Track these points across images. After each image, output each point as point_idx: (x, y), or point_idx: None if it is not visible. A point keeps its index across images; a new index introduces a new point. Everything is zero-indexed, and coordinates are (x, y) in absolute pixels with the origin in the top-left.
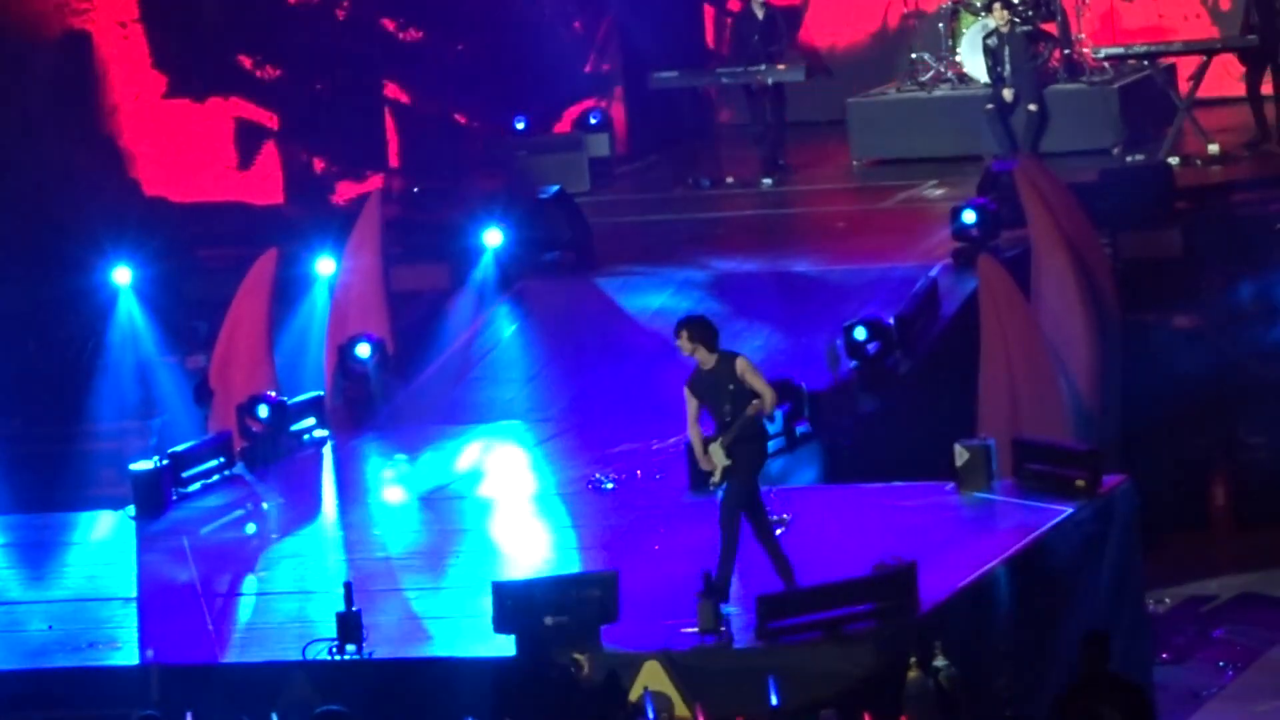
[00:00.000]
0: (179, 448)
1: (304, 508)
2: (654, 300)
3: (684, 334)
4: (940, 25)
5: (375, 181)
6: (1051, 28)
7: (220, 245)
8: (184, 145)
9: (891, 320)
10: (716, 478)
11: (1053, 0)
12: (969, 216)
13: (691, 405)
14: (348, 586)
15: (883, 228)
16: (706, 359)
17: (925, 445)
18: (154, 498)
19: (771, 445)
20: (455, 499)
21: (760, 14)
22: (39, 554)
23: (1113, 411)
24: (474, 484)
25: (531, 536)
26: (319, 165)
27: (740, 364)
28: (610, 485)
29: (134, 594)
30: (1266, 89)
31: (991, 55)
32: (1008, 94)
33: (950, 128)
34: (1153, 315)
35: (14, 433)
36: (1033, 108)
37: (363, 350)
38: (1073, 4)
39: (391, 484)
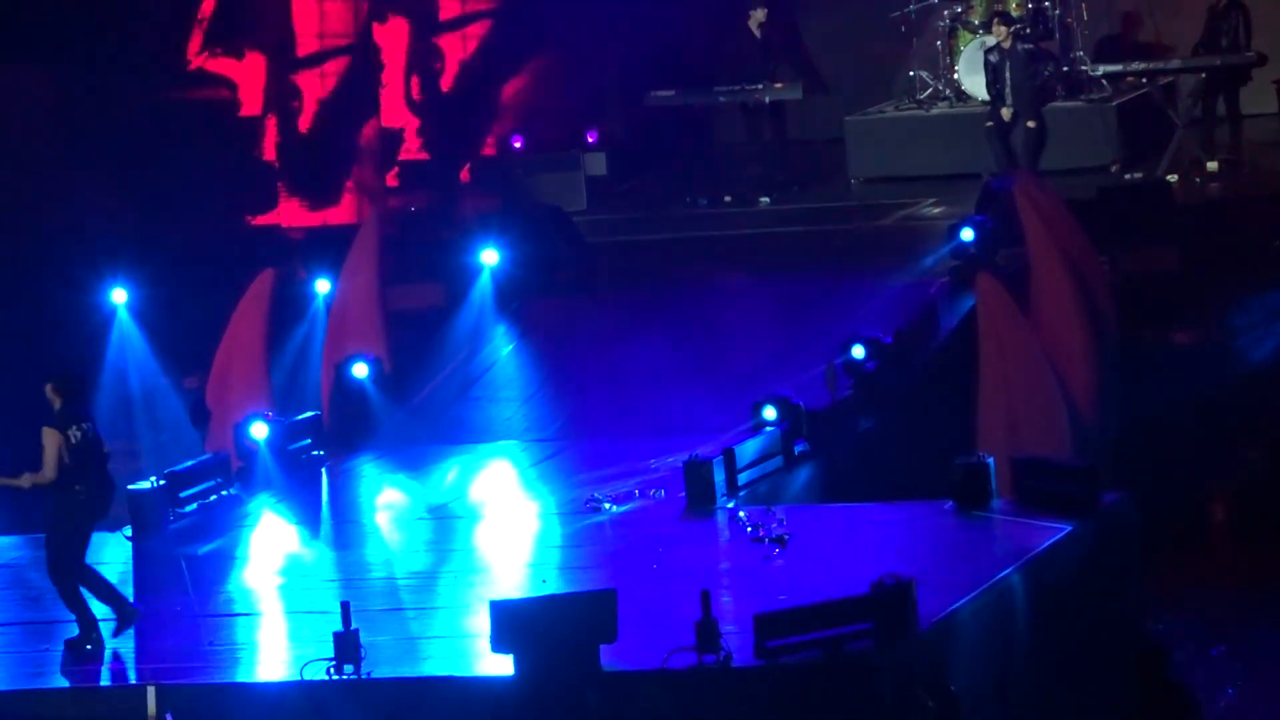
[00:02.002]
0: (176, 468)
1: (301, 527)
2: (652, 319)
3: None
4: (938, 43)
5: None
6: (1050, 45)
7: (217, 265)
8: None
9: (890, 338)
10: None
11: (1051, 18)
12: (967, 234)
13: None
14: (345, 606)
15: (881, 245)
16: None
17: (924, 463)
18: (150, 518)
19: (769, 465)
20: (453, 518)
21: (758, 32)
22: (35, 574)
23: (1111, 427)
24: (471, 503)
25: (529, 556)
26: None
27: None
28: (608, 505)
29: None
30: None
31: (992, 71)
32: (1006, 112)
33: (948, 145)
34: (1151, 331)
35: (10, 452)
36: (1032, 125)
37: (360, 370)
38: (1072, 21)
39: (389, 503)
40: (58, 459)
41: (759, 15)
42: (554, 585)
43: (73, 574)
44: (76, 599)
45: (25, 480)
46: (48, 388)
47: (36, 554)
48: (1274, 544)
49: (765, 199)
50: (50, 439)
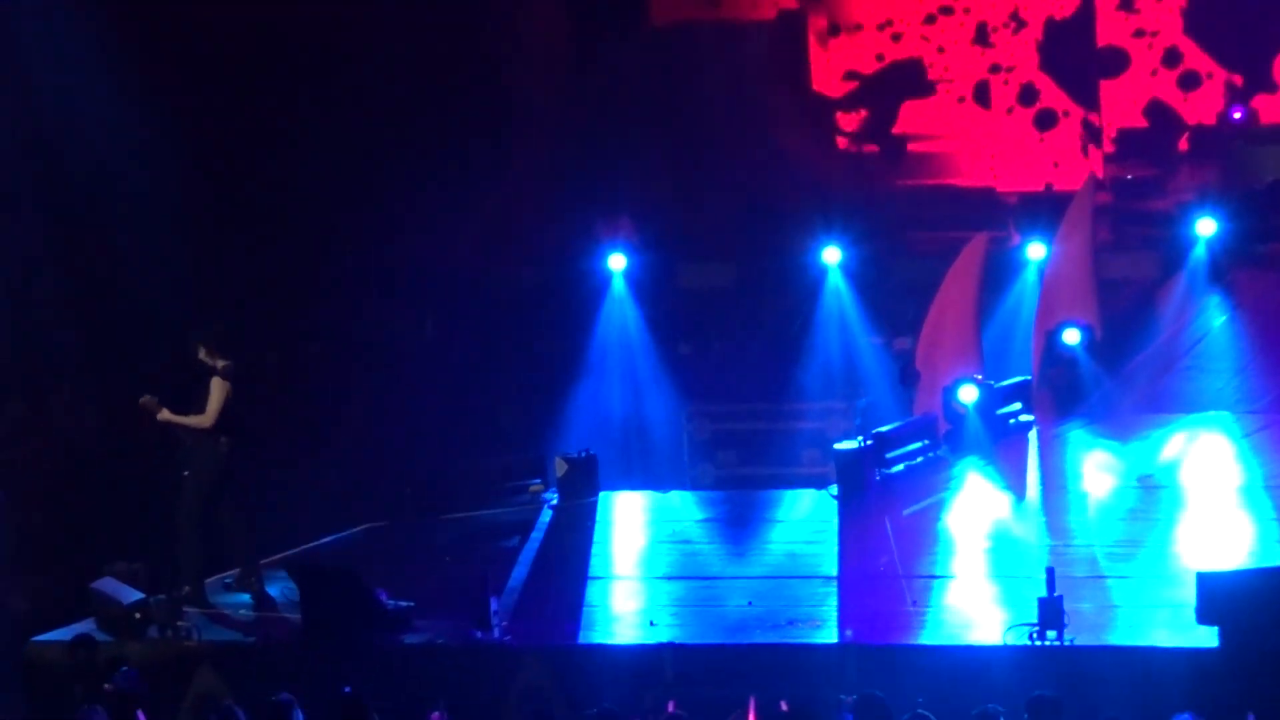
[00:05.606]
0: (883, 429)
1: (1007, 492)
2: None
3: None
4: None
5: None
6: None
7: (931, 228)
8: None
9: None
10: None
11: None
12: None
13: None
14: (1049, 572)
15: None
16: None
17: None
18: (857, 478)
19: None
20: (1160, 488)
21: None
22: (742, 530)
23: None
24: (1179, 473)
25: (1236, 528)
26: None
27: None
28: None
29: (834, 573)
30: None
31: None
32: None
33: None
34: None
35: (723, 411)
36: None
37: (1071, 336)
38: None
39: (1096, 471)
40: (220, 410)
41: None
42: (1274, 559)
43: (201, 524)
44: (196, 550)
45: (191, 420)
46: (201, 349)
47: (742, 511)
48: None
49: None
50: (219, 388)
